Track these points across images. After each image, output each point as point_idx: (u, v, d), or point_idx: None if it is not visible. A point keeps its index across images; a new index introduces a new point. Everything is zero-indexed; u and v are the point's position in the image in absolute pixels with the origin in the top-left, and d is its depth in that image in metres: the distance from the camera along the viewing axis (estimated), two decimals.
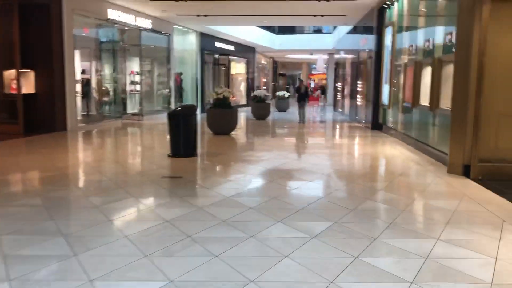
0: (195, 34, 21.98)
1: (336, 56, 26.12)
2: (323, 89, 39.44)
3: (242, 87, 30.06)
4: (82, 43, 15.08)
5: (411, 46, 10.96)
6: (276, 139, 12.68)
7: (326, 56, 34.35)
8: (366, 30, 16.63)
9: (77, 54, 14.58)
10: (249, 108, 21.34)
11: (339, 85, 24.56)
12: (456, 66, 7.51)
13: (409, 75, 10.85)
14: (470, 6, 7.25)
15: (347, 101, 21.43)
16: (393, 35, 12.98)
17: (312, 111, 28.04)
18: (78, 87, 15.10)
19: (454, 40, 8.02)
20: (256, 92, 19.57)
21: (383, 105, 13.99)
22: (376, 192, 6.24)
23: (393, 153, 9.76)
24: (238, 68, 29.68)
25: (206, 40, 22.89)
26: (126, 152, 9.82)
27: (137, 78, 18.12)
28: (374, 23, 14.77)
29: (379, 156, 9.59)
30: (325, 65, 36.52)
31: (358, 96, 17.93)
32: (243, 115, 22.28)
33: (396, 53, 12.73)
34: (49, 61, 12.46)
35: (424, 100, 9.94)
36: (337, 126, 17.67)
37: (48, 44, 12.38)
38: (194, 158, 8.72)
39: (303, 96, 17.38)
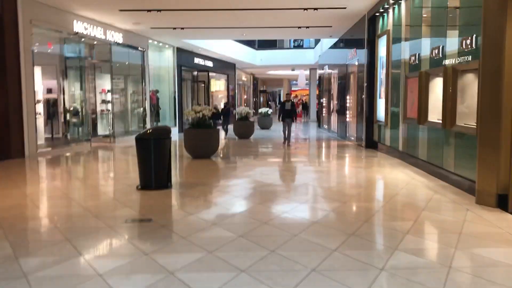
0: (172, 49, 20.48)
1: (320, 71, 24.91)
2: (304, 105, 38.28)
3: (222, 104, 28.53)
4: (45, 59, 13.45)
5: (414, 56, 9.65)
6: (262, 162, 11.13)
7: (307, 72, 33.21)
8: (354, 42, 15.39)
9: (38, 71, 12.94)
10: (230, 126, 19.85)
11: (323, 101, 23.29)
12: (483, 75, 6.13)
13: (413, 88, 9.51)
14: (500, 3, 5.92)
15: (334, 118, 20.10)
16: (388, 45, 11.69)
17: (296, 128, 26.70)
18: (41, 108, 13.47)
19: (474, 46, 6.70)
20: (238, 110, 18.09)
21: (379, 122, 12.64)
22: (401, 237, 4.74)
23: (401, 178, 8.32)
24: (218, 85, 28.26)
25: (184, 56, 21.41)
26: (86, 185, 8.15)
27: (108, 96, 16.47)
28: (365, 33, 13.50)
29: (387, 182, 8.12)
30: (306, 81, 35.38)
31: (347, 112, 16.60)
32: (222, 133, 20.77)
33: (392, 64, 11.43)
34: (1, 79, 10.76)
35: (434, 115, 8.58)
36: (327, 145, 16.24)
37: (0, 60, 10.70)
38: (169, 191, 7.13)
39: (289, 113, 14.79)
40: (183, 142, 11.24)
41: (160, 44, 19.40)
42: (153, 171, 7.24)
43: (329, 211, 5.86)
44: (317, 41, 28.64)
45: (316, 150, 14.77)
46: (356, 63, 15.03)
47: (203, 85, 25.07)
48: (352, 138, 15.67)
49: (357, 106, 15.02)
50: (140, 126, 18.18)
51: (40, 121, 13.11)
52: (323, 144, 16.35)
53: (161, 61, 20.22)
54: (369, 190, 7.51)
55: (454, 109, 7.41)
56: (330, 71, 21.31)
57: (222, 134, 18.56)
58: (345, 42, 17.22)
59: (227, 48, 24.38)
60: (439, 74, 8.26)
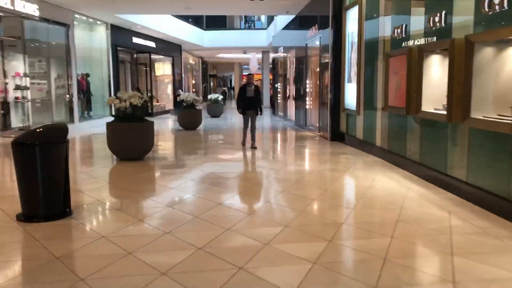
0: (105, 26, 17.54)
1: (273, 55, 22.66)
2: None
3: (169, 90, 25.82)
4: None
5: (398, 28, 7.55)
6: (210, 165, 8.76)
7: (259, 55, 30.91)
8: (314, 19, 13.22)
9: None
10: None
11: (278, 86, 21.10)
12: None
13: (397, 69, 7.44)
14: None
15: (290, 105, 17.97)
16: (360, 18, 9.58)
17: None
18: None
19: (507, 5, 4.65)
20: (183, 96, 15.56)
21: (348, 110, 10.57)
22: None
23: (392, 187, 6.24)
24: (162, 68, 25.42)
25: (120, 35, 18.51)
26: None
27: (24, 82, 13.49)
28: (329, 7, 11.32)
29: (375, 195, 5.92)
30: (259, 65, 33.10)
31: (307, 98, 14.49)
32: (170, 124, 18.20)
33: (366, 41, 9.33)
34: None
35: (429, 104, 6.55)
36: (283, 137, 14.07)
37: None
38: (66, 223, 4.68)
39: (253, 102, 10.21)
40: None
41: (90, 20, 16.45)
42: (42, 193, 4.75)
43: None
44: (269, 21, 26.38)
45: (270, 143, 12.52)
46: (318, 43, 12.88)
47: (144, 68, 22.23)
48: (313, 128, 13.59)
49: (319, 92, 12.92)
50: (66, 116, 15.29)
51: None
52: (279, 136, 14.17)
53: (93, 41, 17.25)
54: (356, 215, 5.32)
55: (467, 96, 5.35)
56: (285, 54, 19.10)
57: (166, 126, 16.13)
58: (304, 20, 15.02)
59: (171, 26, 21.62)
60: (441, 49, 6.20)
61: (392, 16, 7.96)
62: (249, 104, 10.25)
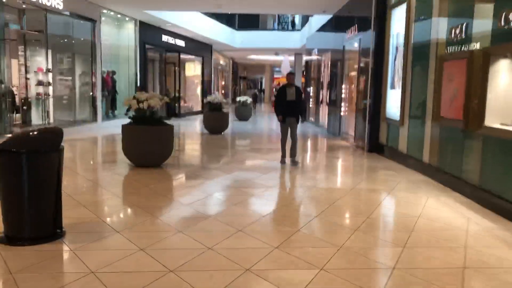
0: (134, 23, 16.93)
1: (307, 57, 21.65)
2: None
3: (198, 91, 25.15)
4: None
5: (456, 28, 6.48)
6: (232, 177, 7.85)
7: (292, 57, 29.92)
8: (353, 20, 12.20)
9: None
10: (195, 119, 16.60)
11: (310, 90, 20.07)
12: None
13: (454, 75, 6.37)
14: None
15: (323, 110, 16.93)
16: (409, 18, 8.51)
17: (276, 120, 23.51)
18: None
19: None
20: (210, 98, 14.75)
21: (389, 120, 9.50)
22: None
23: (448, 216, 5.19)
24: (192, 68, 24.76)
25: (149, 32, 17.89)
26: None
27: (48, 77, 12.95)
28: (372, 6, 10.27)
29: (430, 228, 4.82)
30: (291, 68, 32.11)
31: (342, 104, 13.43)
32: (196, 126, 17.46)
33: (415, 43, 8.26)
34: None
35: (497, 117, 5.47)
36: (314, 146, 13.08)
37: None
38: (54, 248, 3.88)
39: (294, 108, 8.42)
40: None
41: (119, 15, 15.86)
42: (27, 210, 3.96)
43: None
44: (304, 22, 25.38)
45: (300, 153, 11.50)
46: (357, 46, 11.83)
47: (173, 68, 21.58)
48: (347, 137, 12.53)
49: (356, 98, 11.86)
50: (90, 114, 14.71)
51: None
52: (310, 144, 13.16)
53: (120, 37, 16.68)
54: (409, 255, 4.28)
55: None
56: (319, 56, 18.07)
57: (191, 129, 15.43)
58: (341, 21, 13.99)
59: (202, 25, 20.90)
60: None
61: (449, 14, 6.88)
62: (290, 109, 8.36)
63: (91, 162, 8.90)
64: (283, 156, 8.59)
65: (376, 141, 10.26)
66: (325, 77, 16.76)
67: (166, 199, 5.81)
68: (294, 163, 8.46)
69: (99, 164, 8.45)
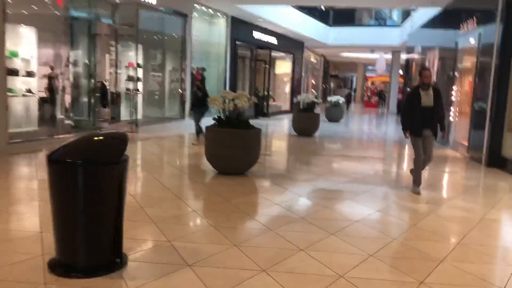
0: (225, 19, 16.39)
1: (407, 55, 19.79)
2: (380, 95, 33.05)
3: (287, 89, 24.27)
4: (45, 21, 9.95)
5: None
6: (325, 193, 6.76)
7: (388, 55, 27.93)
8: (470, 12, 10.51)
9: (32, 34, 9.40)
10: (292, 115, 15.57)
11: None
12: None
13: None
14: None
15: None
16: None
17: (371, 120, 21.88)
18: (34, 83, 9.92)
19: None
20: (301, 97, 13.74)
21: None
22: None
23: None
24: (282, 66, 23.91)
25: (241, 28, 17.27)
26: None
27: (137, 73, 12.76)
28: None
29: None
30: (387, 67, 30.08)
31: (451, 108, 11.72)
32: (284, 127, 16.58)
33: None
34: None
35: None
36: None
37: None
38: (110, 283, 3.12)
39: (432, 117, 6.14)
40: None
41: (210, 10, 15.38)
42: (82, 234, 3.24)
43: None
44: (404, 18, 23.46)
45: (403, 164, 10.06)
46: (474, 42, 10.14)
47: (263, 65, 20.85)
48: (458, 146, 10.85)
49: (471, 101, 10.17)
50: (179, 111, 14.37)
51: (32, 101, 9.62)
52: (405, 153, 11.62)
53: (211, 33, 16.23)
54: None
55: None
56: (423, 54, 16.26)
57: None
58: (452, 14, 12.24)
59: (294, 21, 19.94)
60: None
61: None
62: (426, 119, 6.02)
63: (172, 165, 8.29)
64: (417, 182, 6.22)
65: (497, 154, 8.60)
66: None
67: (250, 219, 4.89)
68: (416, 191, 6.19)
69: (180, 168, 7.79)
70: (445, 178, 8.06)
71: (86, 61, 10.90)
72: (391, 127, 18.53)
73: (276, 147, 11.29)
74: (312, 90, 30.12)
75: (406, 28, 21.14)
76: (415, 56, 17.78)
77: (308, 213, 5.13)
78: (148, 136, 11.41)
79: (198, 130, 10.15)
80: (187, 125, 13.97)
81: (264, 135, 13.88)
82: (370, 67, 38.28)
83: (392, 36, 23.58)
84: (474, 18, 10.09)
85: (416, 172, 6.23)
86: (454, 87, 11.65)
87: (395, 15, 28.79)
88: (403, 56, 23.71)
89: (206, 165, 7.17)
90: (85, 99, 11.13)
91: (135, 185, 6.20)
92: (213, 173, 6.95)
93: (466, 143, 10.35)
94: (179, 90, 14.28)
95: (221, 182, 6.41)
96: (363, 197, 5.97)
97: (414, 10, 19.10)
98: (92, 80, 11.07)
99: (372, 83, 34.18)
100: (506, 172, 8.16)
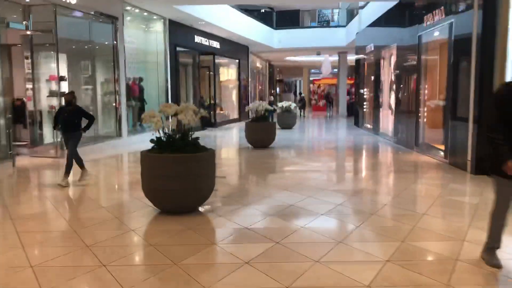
0: (163, 22, 14.54)
1: (357, 56, 18.76)
2: (328, 97, 32.21)
3: (234, 97, 22.67)
4: None
5: None
6: (306, 242, 5.14)
7: (334, 57, 27.03)
8: (433, 4, 9.45)
9: None
10: (241, 124, 13.99)
11: (365, 92, 17.18)
12: None
13: None
14: None
15: (384, 115, 14.06)
16: None
17: (324, 125, 20.72)
18: None
19: None
20: (252, 106, 12.16)
21: None
22: None
23: None
24: (228, 72, 22.29)
25: (180, 32, 15.49)
26: None
27: (61, 86, 10.68)
28: None
29: None
30: (334, 69, 29.22)
31: (420, 109, 10.55)
32: (235, 138, 14.97)
33: None
34: None
35: None
36: (385, 161, 10.31)
37: None
38: None
39: None
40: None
41: (145, 13, 13.49)
42: None
43: None
44: (349, 18, 22.58)
45: (369, 174, 8.66)
46: (444, 34, 9.01)
47: (207, 72, 19.13)
48: (431, 150, 9.67)
49: (446, 101, 9.02)
50: (114, 128, 12.36)
51: None
52: (382, 159, 10.38)
53: (147, 39, 14.34)
54: None
55: None
56: (376, 53, 15.20)
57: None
58: (412, 7, 11.15)
59: (238, 24, 18.41)
60: None
61: None
62: None
63: (100, 204, 6.42)
64: (496, 244, 3.66)
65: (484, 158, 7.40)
66: (386, 77, 13.90)
67: None
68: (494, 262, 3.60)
69: (112, 208, 5.90)
70: (426, 191, 6.68)
71: None
72: (341, 130, 17.41)
73: (231, 165, 9.57)
74: (270, 96, 28.80)
75: (352, 27, 20.18)
76: (366, 56, 16.73)
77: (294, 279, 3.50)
78: (90, 157, 9.38)
79: (70, 163, 6.87)
80: (125, 144, 12.04)
81: (214, 148, 12.16)
82: (313, 70, 37.51)
83: (338, 36, 22.63)
84: (442, 7, 8.94)
85: (496, 229, 3.64)
86: (421, 86, 10.49)
87: (336, 17, 28.02)
88: (351, 57, 22.79)
89: (147, 200, 5.38)
90: None
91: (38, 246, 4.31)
92: (155, 213, 5.18)
93: (441, 147, 9.18)
94: (114, 104, 12.28)
95: (164, 229, 4.64)
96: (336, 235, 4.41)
97: (361, 8, 18.13)
98: (1, 98, 8.95)
99: (319, 86, 33.30)
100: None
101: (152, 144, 5.21)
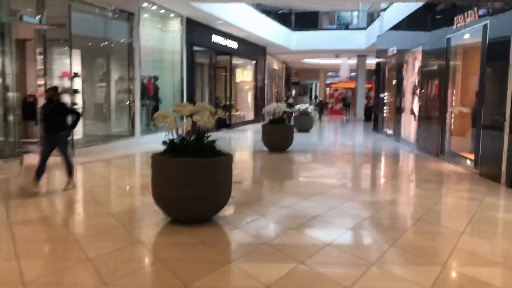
0: (180, 20, 14.13)
1: (378, 59, 18.14)
2: (345, 101, 31.59)
3: (250, 98, 22.22)
4: None
5: None
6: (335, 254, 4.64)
7: (352, 61, 26.41)
8: (463, 6, 8.86)
9: None
10: (256, 126, 13.50)
11: (386, 96, 16.55)
12: None
13: None
14: None
15: (406, 121, 13.44)
16: None
17: (342, 129, 20.13)
18: None
19: None
20: (269, 108, 11.63)
21: None
22: None
23: None
24: (244, 73, 21.85)
25: (197, 31, 15.07)
26: None
27: (75, 84, 10.38)
28: None
29: None
30: (352, 73, 28.63)
31: (447, 115, 9.94)
32: (250, 140, 14.52)
33: None
34: None
35: None
36: (406, 170, 9.74)
37: None
38: None
39: None
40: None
41: (162, 11, 13.09)
42: None
43: None
44: (370, 20, 21.97)
45: (389, 185, 8.12)
46: (476, 37, 8.42)
47: (224, 73, 18.70)
48: (459, 159, 9.06)
49: (475, 108, 8.42)
50: (128, 127, 11.98)
51: None
52: (404, 168, 9.81)
53: (164, 37, 13.93)
54: None
55: None
56: (398, 57, 14.59)
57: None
58: (439, 8, 10.55)
59: (256, 24, 17.93)
60: None
61: None
62: None
63: (108, 210, 5.98)
64: None
65: None
66: (410, 81, 13.28)
67: None
68: None
69: (119, 214, 5.45)
70: (458, 206, 6.11)
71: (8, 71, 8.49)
72: (358, 134, 16.81)
73: (247, 170, 9.08)
74: (289, 98, 28.28)
75: (373, 30, 19.57)
76: (387, 59, 16.12)
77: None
78: (88, 160, 9.02)
79: (70, 164, 6.35)
80: (138, 144, 11.65)
81: (229, 152, 11.70)
82: (330, 73, 36.87)
83: (358, 39, 22.03)
84: (475, 8, 8.34)
85: None
86: (448, 92, 9.89)
87: (356, 20, 27.38)
88: (371, 61, 22.18)
89: (157, 207, 4.92)
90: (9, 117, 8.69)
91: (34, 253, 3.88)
92: (166, 222, 4.72)
93: (469, 156, 8.58)
94: (128, 103, 11.89)
95: (175, 241, 4.17)
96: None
97: (383, 10, 17.53)
98: (12, 94, 8.63)
99: (336, 90, 32.67)
100: None
101: (165, 147, 4.77)
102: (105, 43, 11.76)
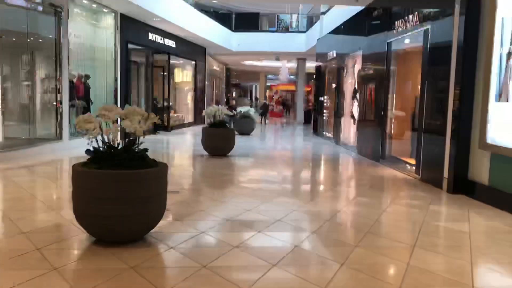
0: (114, 16, 13.23)
1: (318, 63, 18.14)
2: (284, 104, 31.68)
3: (189, 99, 21.52)
4: None
5: None
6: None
7: (291, 64, 26.48)
8: (404, 10, 8.87)
9: None
10: (196, 128, 12.93)
11: (326, 99, 16.55)
12: None
13: None
14: None
15: (346, 124, 13.44)
16: None
17: (283, 132, 19.98)
18: None
19: None
20: (209, 111, 11.08)
21: (496, 148, 6.01)
22: None
23: None
24: (183, 74, 21.13)
25: (133, 28, 14.23)
26: None
27: None
28: None
29: None
30: (291, 75, 28.71)
31: (387, 120, 9.92)
32: (189, 144, 13.90)
33: None
34: None
35: None
36: (348, 175, 9.60)
37: None
38: None
39: None
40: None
41: (94, 5, 12.15)
42: None
43: None
44: (309, 24, 22.07)
45: (330, 192, 7.93)
46: (418, 42, 8.42)
47: (161, 73, 17.90)
48: (399, 164, 9.04)
49: (417, 112, 8.41)
50: (55, 130, 10.95)
51: None
52: (345, 172, 9.67)
53: (96, 33, 12.96)
54: None
55: None
56: (338, 60, 14.60)
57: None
58: (380, 12, 10.56)
59: (195, 23, 17.33)
60: None
61: None
62: None
63: (20, 229, 5.20)
64: None
65: (463, 176, 6.77)
66: (349, 85, 13.29)
67: None
68: None
69: (33, 235, 4.70)
70: (423, 216, 5.95)
71: None
72: (305, 139, 16.71)
73: (186, 177, 8.47)
74: (233, 100, 27.68)
75: (313, 33, 19.61)
76: (327, 63, 16.12)
77: None
78: (7, 166, 8.02)
79: None
80: (66, 148, 10.68)
81: (167, 156, 11.15)
82: (269, 76, 36.89)
83: (298, 42, 22.06)
84: (416, 13, 8.32)
85: None
86: (389, 96, 9.88)
87: (295, 23, 27.49)
88: (311, 64, 22.26)
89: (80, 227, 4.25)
90: None
91: None
92: (89, 242, 4.07)
93: (410, 161, 8.56)
94: (54, 103, 10.87)
95: (99, 267, 3.55)
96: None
97: (323, 14, 17.57)
98: None
99: (276, 92, 32.69)
100: (474, 199, 6.40)
101: (88, 156, 4.12)
102: (31, 39, 10.67)
